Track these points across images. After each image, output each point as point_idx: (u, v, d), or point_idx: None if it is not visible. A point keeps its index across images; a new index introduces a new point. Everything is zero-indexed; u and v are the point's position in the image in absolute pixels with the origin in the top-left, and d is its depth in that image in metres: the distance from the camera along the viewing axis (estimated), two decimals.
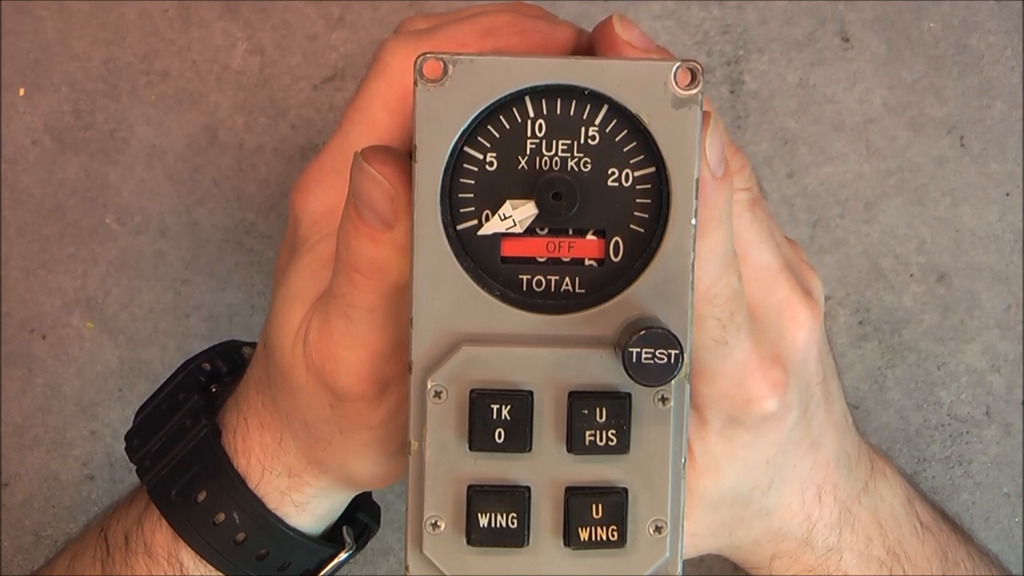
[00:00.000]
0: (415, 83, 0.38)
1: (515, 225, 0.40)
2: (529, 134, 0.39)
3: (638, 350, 0.38)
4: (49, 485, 0.63)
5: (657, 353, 0.38)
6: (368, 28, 0.62)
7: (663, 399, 0.40)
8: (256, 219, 0.62)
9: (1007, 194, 0.63)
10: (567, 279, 0.40)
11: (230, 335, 0.62)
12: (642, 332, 0.38)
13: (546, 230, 0.40)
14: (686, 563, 0.42)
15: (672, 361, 0.38)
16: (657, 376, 0.38)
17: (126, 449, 0.51)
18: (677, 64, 0.39)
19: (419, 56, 0.38)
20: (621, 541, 0.41)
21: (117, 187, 0.62)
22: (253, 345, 0.52)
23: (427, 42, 0.44)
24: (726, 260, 0.42)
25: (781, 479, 0.47)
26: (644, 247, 0.40)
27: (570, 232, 0.40)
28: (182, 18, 0.62)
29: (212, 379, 0.51)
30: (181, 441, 0.49)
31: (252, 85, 0.62)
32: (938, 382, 0.63)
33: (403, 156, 0.40)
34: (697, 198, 0.39)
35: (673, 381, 0.38)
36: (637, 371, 0.38)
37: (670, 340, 0.38)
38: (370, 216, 0.40)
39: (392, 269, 0.41)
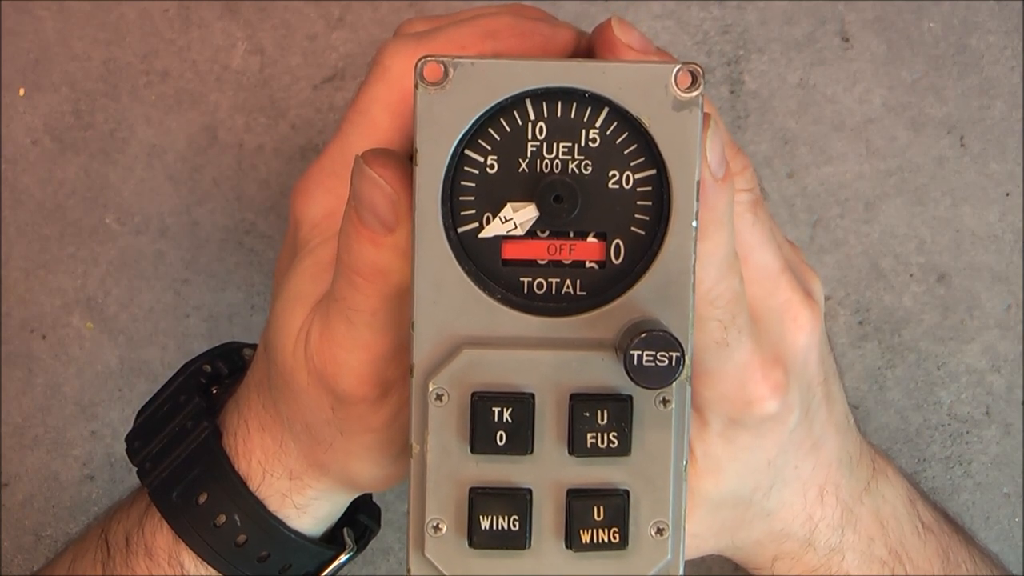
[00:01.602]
0: (416, 86, 0.38)
1: (516, 228, 0.40)
2: (530, 137, 0.39)
3: (639, 353, 0.38)
4: (49, 485, 0.63)
5: (658, 356, 0.38)
6: (368, 28, 0.62)
7: (664, 401, 0.40)
8: (256, 219, 0.62)
9: (1007, 194, 0.63)
10: (568, 282, 0.40)
11: (230, 335, 0.62)
12: (643, 335, 0.38)
13: (547, 233, 0.40)
14: (686, 563, 0.42)
15: (673, 363, 0.38)
16: (658, 379, 0.38)
17: (127, 451, 0.51)
18: (678, 67, 0.39)
19: (420, 59, 0.38)
20: (623, 543, 0.40)
21: (117, 187, 0.62)
22: (254, 347, 0.52)
23: (427, 45, 0.44)
24: (728, 262, 0.42)
25: (783, 480, 0.47)
26: (645, 249, 0.40)
27: (571, 235, 0.40)
28: (182, 18, 0.62)
29: (213, 381, 0.51)
30: (182, 443, 0.48)
31: (252, 85, 0.62)
32: (938, 382, 0.63)
33: (404, 159, 0.40)
34: (698, 200, 0.39)
35: (674, 383, 0.38)
36: (638, 374, 0.38)
37: (671, 343, 0.38)
38: (371, 219, 0.40)
39: (393, 272, 0.41)
